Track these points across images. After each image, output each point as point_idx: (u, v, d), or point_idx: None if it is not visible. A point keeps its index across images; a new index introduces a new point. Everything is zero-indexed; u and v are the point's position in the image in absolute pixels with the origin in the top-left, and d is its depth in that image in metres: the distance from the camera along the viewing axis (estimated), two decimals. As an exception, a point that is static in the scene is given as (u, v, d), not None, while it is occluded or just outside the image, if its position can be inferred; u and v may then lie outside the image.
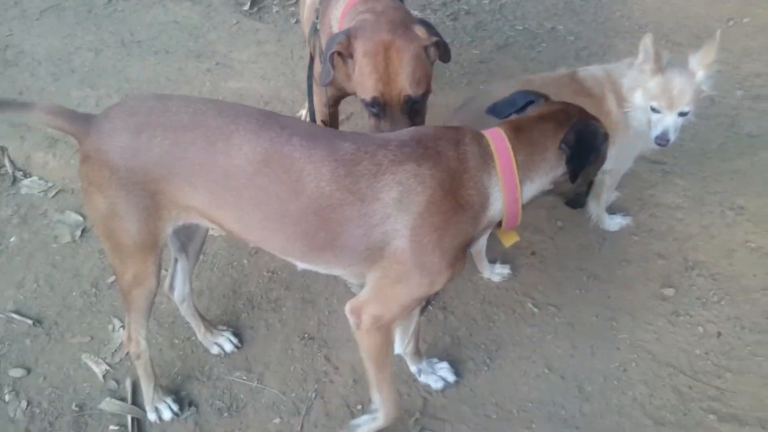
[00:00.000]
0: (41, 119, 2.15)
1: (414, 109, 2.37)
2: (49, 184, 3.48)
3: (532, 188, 2.02)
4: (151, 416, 2.56)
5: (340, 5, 2.51)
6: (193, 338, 2.81)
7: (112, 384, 2.69)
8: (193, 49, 4.35)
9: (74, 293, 3.01)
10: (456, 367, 2.67)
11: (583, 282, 2.97)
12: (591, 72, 2.79)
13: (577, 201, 3.10)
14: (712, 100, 3.74)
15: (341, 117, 3.42)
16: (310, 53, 2.75)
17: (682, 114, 2.57)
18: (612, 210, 3.18)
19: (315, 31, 2.65)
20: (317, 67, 2.68)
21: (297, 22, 4.62)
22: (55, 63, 4.21)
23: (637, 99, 2.64)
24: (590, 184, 2.90)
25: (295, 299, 2.95)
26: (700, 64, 2.54)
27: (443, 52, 2.42)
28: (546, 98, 2.15)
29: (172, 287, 2.63)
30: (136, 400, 2.63)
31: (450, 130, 2.01)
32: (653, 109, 2.59)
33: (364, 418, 2.40)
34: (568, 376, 2.65)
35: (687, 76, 2.55)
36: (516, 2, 4.79)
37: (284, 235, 2.01)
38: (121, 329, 2.84)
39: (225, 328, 2.82)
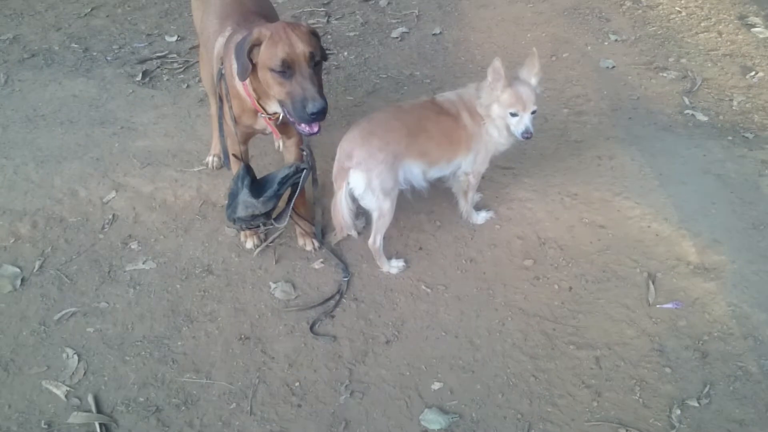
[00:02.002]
0: None
1: (317, 68, 2.89)
2: (-20, 245, 3.79)
3: None
4: None
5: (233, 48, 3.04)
6: (143, 353, 3.23)
7: (75, 401, 3.02)
8: (96, 118, 4.75)
9: (24, 333, 3.31)
10: (370, 341, 3.26)
11: (462, 264, 3.65)
12: (446, 96, 3.51)
13: None
14: (546, 118, 4.62)
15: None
16: (219, 96, 3.28)
17: (533, 112, 3.29)
18: (478, 207, 3.88)
19: (221, 75, 3.17)
20: (226, 108, 3.24)
21: (188, 87, 5.15)
22: (-36, 141, 4.50)
23: (495, 110, 3.32)
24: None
25: (228, 309, 3.42)
26: (530, 74, 3.34)
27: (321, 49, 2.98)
28: None
29: None
30: (101, 410, 2.99)
31: None
32: (512, 114, 3.28)
33: None
34: (460, 335, 3.29)
35: (527, 84, 3.31)
36: (377, 56, 5.57)
37: None
38: (75, 356, 3.22)
39: None
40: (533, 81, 3.35)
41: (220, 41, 3.22)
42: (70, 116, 4.77)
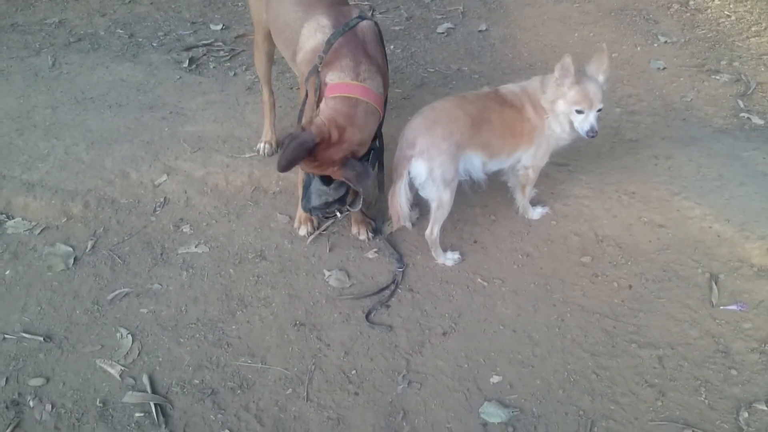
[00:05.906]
0: None
1: None
2: (33, 223, 3.77)
3: None
4: None
5: (330, 78, 3.04)
6: (197, 336, 3.20)
7: (130, 381, 3.00)
8: (145, 102, 4.74)
9: (78, 311, 3.30)
10: (427, 332, 3.21)
11: (518, 259, 3.59)
12: (509, 89, 3.46)
13: None
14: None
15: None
16: (306, 91, 3.21)
17: (599, 110, 3.26)
18: (533, 203, 3.82)
19: (316, 72, 3.10)
20: (311, 100, 3.16)
21: (235, 75, 5.13)
22: (15, 120, 4.49)
23: (560, 106, 3.27)
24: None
25: (282, 295, 3.39)
26: (598, 71, 3.28)
27: None
28: None
29: None
30: (156, 391, 2.97)
31: None
32: (578, 111, 3.24)
33: None
34: (518, 329, 3.23)
35: (594, 81, 3.26)
36: (424, 50, 5.53)
37: None
38: (129, 336, 3.20)
39: None
40: (601, 78, 3.30)
41: (319, 37, 3.15)
42: (118, 100, 4.77)
